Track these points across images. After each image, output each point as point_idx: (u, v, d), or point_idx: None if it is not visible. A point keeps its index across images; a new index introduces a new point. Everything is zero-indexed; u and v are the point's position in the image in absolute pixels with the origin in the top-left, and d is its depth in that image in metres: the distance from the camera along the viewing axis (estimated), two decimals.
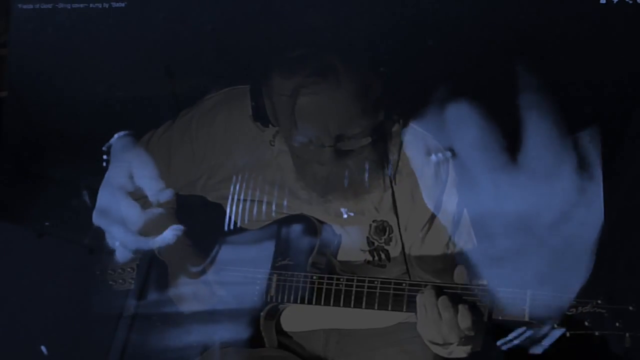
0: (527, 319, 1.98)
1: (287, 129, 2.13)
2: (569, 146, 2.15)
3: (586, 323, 1.95)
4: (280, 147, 2.20)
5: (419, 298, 2.04)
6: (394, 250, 2.19)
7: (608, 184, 2.11)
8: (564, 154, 2.15)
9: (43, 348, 2.25)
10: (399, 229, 2.17)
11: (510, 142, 2.17)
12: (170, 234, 2.22)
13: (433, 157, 2.18)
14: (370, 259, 2.19)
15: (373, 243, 2.19)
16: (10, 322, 2.27)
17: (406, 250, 2.17)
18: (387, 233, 2.18)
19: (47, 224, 2.31)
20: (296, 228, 2.19)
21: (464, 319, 1.99)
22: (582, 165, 2.13)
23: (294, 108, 2.07)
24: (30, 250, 2.31)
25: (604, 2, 2.21)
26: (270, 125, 2.19)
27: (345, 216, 2.20)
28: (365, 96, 2.09)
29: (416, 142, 2.20)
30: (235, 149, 2.23)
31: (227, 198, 2.23)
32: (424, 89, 2.15)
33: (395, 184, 2.17)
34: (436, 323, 2.01)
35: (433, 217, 2.17)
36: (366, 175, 2.15)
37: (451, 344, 2.04)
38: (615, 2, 2.20)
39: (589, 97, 2.22)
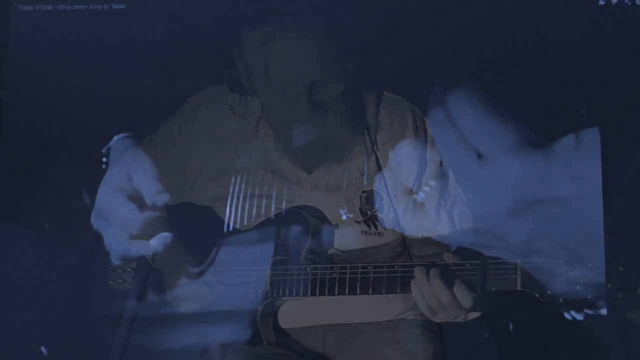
0: (519, 287, 1.96)
1: (260, 89, 2.14)
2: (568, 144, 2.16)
3: (578, 287, 1.91)
4: (265, 132, 2.22)
5: (412, 285, 2.02)
6: (388, 217, 2.18)
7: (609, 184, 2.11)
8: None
9: (43, 348, 2.25)
10: (389, 194, 2.17)
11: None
12: (159, 241, 2.23)
13: (409, 117, 2.20)
14: (367, 229, 2.18)
15: (366, 213, 2.18)
16: (10, 322, 2.27)
17: (400, 216, 2.16)
18: (377, 201, 2.18)
19: (47, 225, 2.33)
20: (289, 223, 2.18)
21: (463, 296, 1.97)
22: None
23: (265, 57, 2.09)
24: (30, 251, 2.32)
25: (603, 3, 2.24)
26: (246, 96, 2.20)
27: (344, 217, 2.20)
28: (335, 43, 2.11)
29: (392, 106, 2.22)
30: (219, 144, 2.24)
31: (217, 198, 2.23)
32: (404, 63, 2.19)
33: (377, 148, 2.18)
34: (435, 303, 1.99)
35: (419, 176, 2.17)
36: (346, 138, 2.16)
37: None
38: (613, 3, 2.23)
39: (588, 97, 2.23)
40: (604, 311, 2.01)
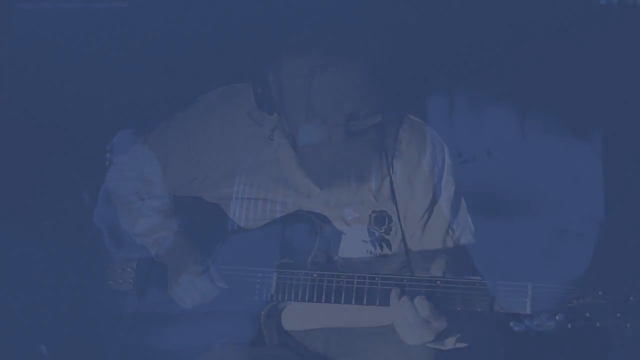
0: (528, 311, 1.98)
1: (296, 113, 2.16)
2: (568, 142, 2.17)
3: (587, 314, 1.95)
4: (280, 141, 2.22)
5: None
6: (395, 240, 2.20)
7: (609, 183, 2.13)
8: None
9: (43, 348, 2.24)
10: (399, 217, 2.18)
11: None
12: (165, 237, 2.22)
13: (429, 144, 2.20)
14: (372, 249, 2.19)
15: (374, 233, 2.20)
16: (10, 322, 2.26)
17: (407, 239, 2.19)
18: (387, 222, 2.19)
19: (46, 223, 2.30)
20: (296, 226, 2.19)
21: (423, 308, 2.00)
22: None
23: (310, 88, 2.11)
24: (30, 250, 2.30)
25: (604, 2, 2.23)
26: (274, 114, 2.21)
27: (350, 217, 2.21)
28: (374, 74, 2.13)
29: (412, 130, 2.22)
30: (232, 146, 2.24)
31: (225, 197, 2.23)
32: (423, 82, 2.19)
33: (393, 171, 2.19)
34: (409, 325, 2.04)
35: (432, 204, 2.19)
36: (370, 160, 2.17)
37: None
38: (615, 2, 2.23)
39: (590, 97, 2.24)
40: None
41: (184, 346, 2.19)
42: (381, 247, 2.20)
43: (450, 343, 2.10)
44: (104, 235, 2.24)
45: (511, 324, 1.96)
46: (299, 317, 2.23)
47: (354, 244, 2.20)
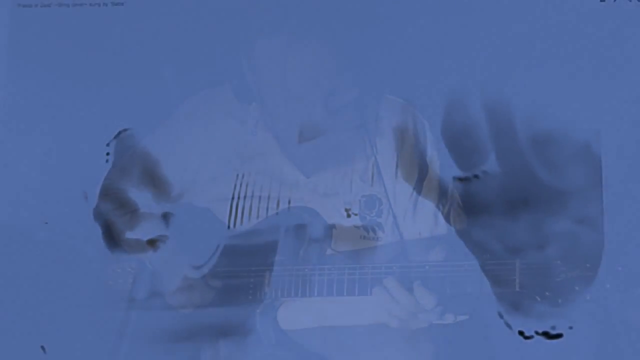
0: (517, 289, 1.96)
1: (273, 97, 2.16)
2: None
3: (576, 288, 1.92)
4: (263, 135, 2.22)
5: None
6: (387, 222, 2.19)
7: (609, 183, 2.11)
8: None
9: (43, 348, 2.25)
10: (389, 199, 2.17)
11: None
12: (157, 242, 2.24)
13: (410, 121, 2.20)
14: (365, 234, 2.18)
15: (365, 218, 2.19)
16: (10, 322, 2.27)
17: (400, 219, 2.17)
18: (377, 206, 2.18)
19: (46, 223, 2.32)
20: (287, 224, 2.19)
21: (424, 297, 2.00)
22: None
23: (284, 68, 2.12)
24: (29, 250, 2.31)
25: (603, 0, 2.23)
26: (253, 104, 2.21)
27: (344, 215, 2.20)
28: (350, 50, 2.14)
29: (392, 108, 2.22)
30: (217, 147, 2.25)
31: (215, 200, 2.23)
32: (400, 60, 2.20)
33: (377, 152, 2.19)
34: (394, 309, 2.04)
35: (420, 181, 2.18)
36: (353, 142, 2.17)
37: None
38: (614, 0, 2.22)
39: (589, 97, 2.22)
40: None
41: (180, 347, 2.19)
42: (374, 232, 2.19)
43: (449, 318, 2.08)
44: (103, 234, 2.25)
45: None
46: (295, 315, 2.20)
47: (347, 233, 2.19)
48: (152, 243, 2.23)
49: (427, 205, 2.18)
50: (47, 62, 2.29)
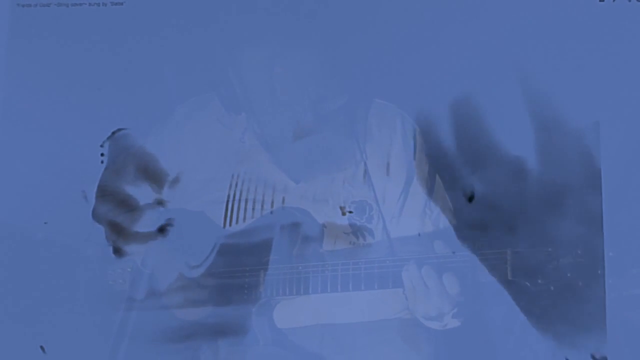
0: (510, 277, 1.94)
1: (262, 106, 2.17)
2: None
3: (568, 275, 1.90)
4: (251, 142, 2.23)
5: (404, 275, 2.03)
6: (377, 228, 2.18)
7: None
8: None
9: (42, 348, 2.25)
10: (378, 204, 2.17)
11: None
12: (150, 245, 2.25)
13: (398, 125, 2.20)
14: (355, 240, 2.18)
15: (355, 224, 2.18)
16: (10, 322, 2.27)
17: (388, 222, 2.17)
18: (367, 211, 2.18)
19: (45, 223, 2.33)
20: (279, 223, 2.19)
21: (452, 285, 2.00)
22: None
23: (272, 76, 2.13)
24: (29, 250, 2.32)
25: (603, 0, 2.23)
26: (242, 114, 2.22)
27: (334, 219, 2.20)
28: (338, 56, 2.15)
29: (381, 113, 2.23)
30: (208, 154, 2.25)
31: (208, 203, 2.24)
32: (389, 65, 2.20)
33: (366, 157, 2.19)
34: (426, 295, 2.02)
35: (407, 185, 2.18)
36: (342, 147, 2.17)
37: (445, 314, 2.04)
38: (614, 0, 2.22)
39: (589, 97, 2.21)
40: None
41: (177, 347, 2.18)
42: (364, 237, 2.19)
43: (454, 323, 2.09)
44: (103, 233, 2.26)
45: None
46: (292, 314, 2.21)
47: (337, 239, 2.19)
48: (162, 230, 2.24)
49: (414, 209, 2.18)
50: (47, 61, 2.32)
